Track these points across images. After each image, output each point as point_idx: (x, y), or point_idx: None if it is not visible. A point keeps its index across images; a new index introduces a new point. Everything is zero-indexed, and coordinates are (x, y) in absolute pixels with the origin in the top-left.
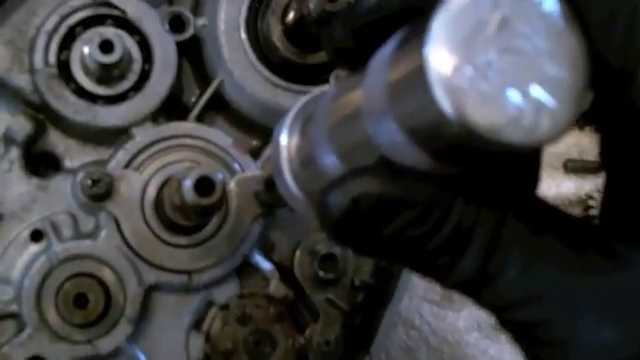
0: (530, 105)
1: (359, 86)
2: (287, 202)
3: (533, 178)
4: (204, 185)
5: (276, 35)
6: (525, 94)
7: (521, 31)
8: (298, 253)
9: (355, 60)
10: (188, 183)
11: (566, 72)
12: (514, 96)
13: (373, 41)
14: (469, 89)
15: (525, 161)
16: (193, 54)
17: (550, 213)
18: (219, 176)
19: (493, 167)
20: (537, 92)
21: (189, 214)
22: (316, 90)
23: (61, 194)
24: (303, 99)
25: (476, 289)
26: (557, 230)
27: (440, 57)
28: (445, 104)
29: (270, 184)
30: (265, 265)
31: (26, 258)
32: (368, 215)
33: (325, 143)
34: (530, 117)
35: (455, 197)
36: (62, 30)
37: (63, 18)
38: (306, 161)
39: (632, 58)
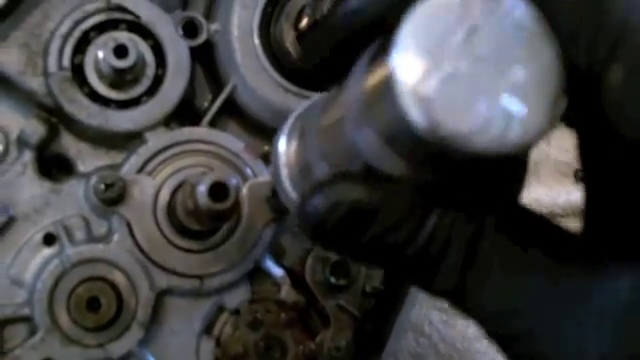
0: (499, 113)
1: (341, 95)
2: (288, 207)
3: (516, 185)
4: (218, 190)
5: (289, 41)
6: (494, 102)
7: (491, 38)
8: (309, 259)
9: (335, 76)
10: (202, 188)
11: (537, 79)
12: (483, 104)
13: (351, 55)
14: (436, 97)
15: (508, 168)
16: (206, 59)
17: (533, 222)
18: (233, 181)
19: (473, 174)
20: (507, 100)
21: (202, 219)
22: (316, 96)
23: (74, 198)
24: (302, 105)
25: (459, 299)
26: (539, 240)
27: (406, 65)
28: (412, 112)
29: (275, 191)
30: (276, 270)
31: (39, 261)
32: (345, 221)
33: (316, 150)
34: (499, 125)
35: (434, 205)
36: (76, 34)
37: (77, 22)
38: (302, 167)
39: (598, 61)
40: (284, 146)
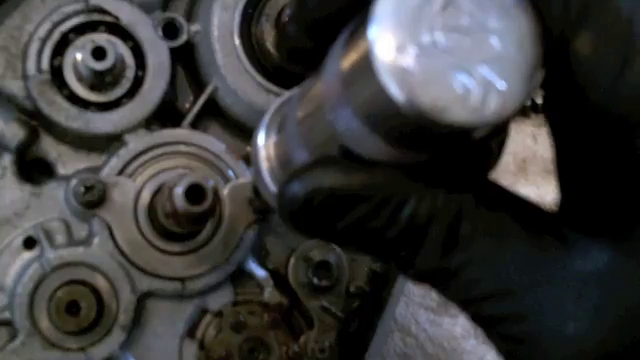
0: (477, 84)
1: (319, 79)
2: (269, 202)
3: (490, 161)
4: (195, 192)
5: (270, 41)
6: (472, 73)
7: (468, 9)
8: (292, 260)
9: (310, 60)
10: (179, 190)
11: (515, 51)
12: (461, 76)
13: (327, 38)
14: (414, 69)
15: (482, 142)
16: (187, 60)
17: (510, 199)
18: (210, 183)
19: (450, 151)
20: (485, 71)
21: (181, 221)
22: (292, 90)
23: (54, 201)
24: (279, 99)
25: (440, 282)
26: (519, 219)
27: (383, 39)
28: (391, 86)
29: (257, 190)
30: (259, 272)
31: (19, 265)
32: (323, 207)
33: (296, 139)
34: (477, 96)
35: (412, 189)
36: (55, 36)
37: (56, 24)
38: (282, 159)
39: (569, 25)
40: (263, 140)
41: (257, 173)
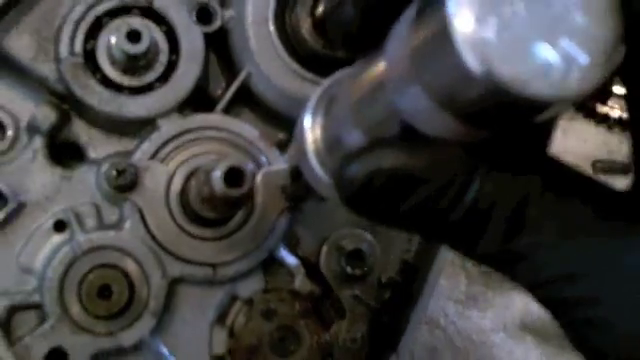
0: (559, 58)
1: (380, 58)
2: (313, 186)
3: (547, 139)
4: (234, 176)
5: (305, 28)
6: (554, 46)
7: None
8: (324, 248)
9: (362, 43)
10: (217, 174)
11: (597, 25)
12: (542, 48)
13: (381, 21)
14: (494, 41)
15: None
16: (219, 45)
17: (576, 179)
18: (249, 166)
19: (523, 127)
20: (566, 44)
21: (217, 206)
22: (337, 73)
23: (85, 185)
24: (325, 82)
25: (506, 265)
26: (587, 199)
27: (462, 12)
28: (469, 58)
29: (296, 175)
30: (291, 260)
31: (49, 248)
32: (384, 189)
33: (349, 119)
34: (559, 70)
35: (477, 170)
36: (89, 19)
37: (90, 7)
38: (331, 141)
39: None
40: (310, 123)
41: (304, 157)
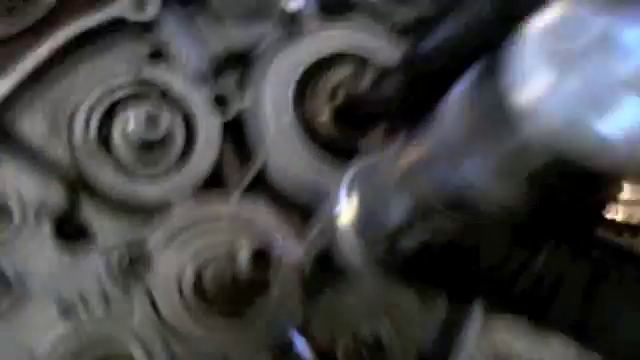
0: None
1: (427, 135)
2: (346, 262)
3: (599, 213)
4: (259, 258)
5: (324, 115)
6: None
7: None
8: (341, 340)
9: (404, 114)
10: (244, 256)
11: None
12: (603, 121)
13: (426, 92)
14: (556, 113)
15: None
16: (235, 132)
17: (628, 256)
18: (275, 248)
19: (575, 200)
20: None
21: (237, 293)
22: (361, 162)
23: (93, 270)
24: (353, 169)
25: (579, 333)
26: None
27: (524, 83)
28: (532, 130)
29: (316, 263)
30: (306, 354)
31: (55, 336)
32: (440, 256)
33: (392, 195)
34: (623, 145)
35: (535, 242)
36: (103, 106)
37: (106, 94)
38: (369, 218)
39: None
40: (344, 205)
41: (337, 239)
